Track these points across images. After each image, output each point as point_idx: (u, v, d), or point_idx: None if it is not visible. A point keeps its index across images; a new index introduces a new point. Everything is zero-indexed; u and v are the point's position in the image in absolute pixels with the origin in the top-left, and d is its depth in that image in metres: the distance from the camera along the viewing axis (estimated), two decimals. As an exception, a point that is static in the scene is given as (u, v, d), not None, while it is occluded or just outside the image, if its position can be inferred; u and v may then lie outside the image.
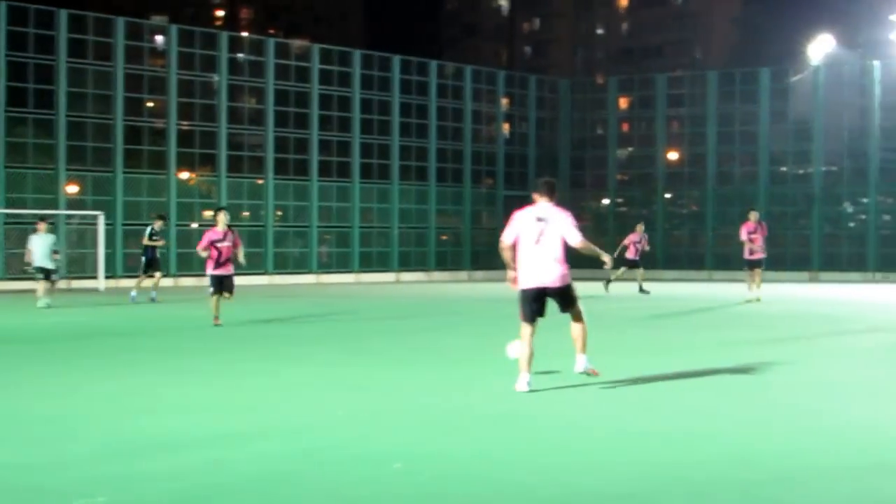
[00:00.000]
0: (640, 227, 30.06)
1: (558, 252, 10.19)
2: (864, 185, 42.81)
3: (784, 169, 44.83)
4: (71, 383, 11.21)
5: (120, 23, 36.01)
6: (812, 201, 43.22)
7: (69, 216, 34.70)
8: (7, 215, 32.85)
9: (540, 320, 10.27)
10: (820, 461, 7.25)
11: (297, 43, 46.14)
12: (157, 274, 25.64)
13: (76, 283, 33.09)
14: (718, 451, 7.52)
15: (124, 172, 35.54)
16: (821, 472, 6.93)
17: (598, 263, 10.89)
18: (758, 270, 24.94)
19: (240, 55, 39.92)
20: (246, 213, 38.56)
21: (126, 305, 24.48)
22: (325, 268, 40.33)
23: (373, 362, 13.00)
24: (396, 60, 42.79)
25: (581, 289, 10.70)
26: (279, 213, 39.80)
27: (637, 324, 19.17)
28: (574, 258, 10.37)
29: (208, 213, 37.52)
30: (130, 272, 33.20)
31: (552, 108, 48.55)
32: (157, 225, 26.09)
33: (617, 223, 46.14)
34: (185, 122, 37.48)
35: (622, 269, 29.02)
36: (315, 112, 40.26)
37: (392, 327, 19.03)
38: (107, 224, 33.68)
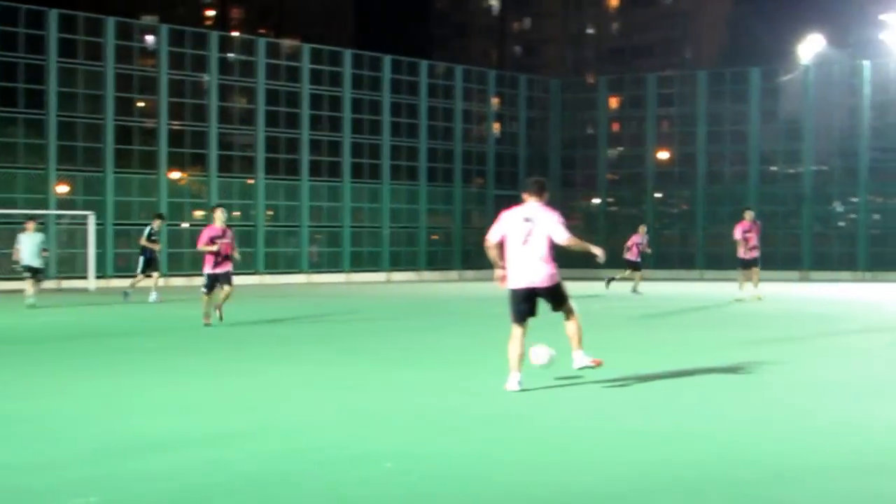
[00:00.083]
0: (643, 229, 29.88)
1: (545, 252, 10.20)
2: (854, 184, 42.89)
3: (774, 168, 44.92)
4: (61, 383, 11.16)
5: (110, 23, 35.94)
6: (802, 201, 43.31)
7: (59, 216, 34.59)
8: (-3, 216, 32.76)
9: (531, 320, 10.27)
10: (814, 460, 7.25)
11: (287, 43, 46.13)
12: (156, 274, 25.42)
13: (66, 283, 33.01)
14: (713, 451, 7.51)
15: (115, 172, 35.45)
16: (815, 470, 6.93)
17: (593, 262, 10.85)
18: (755, 269, 24.96)
19: (230, 55, 39.87)
20: (237, 213, 38.49)
21: (117, 305, 24.39)
22: (315, 268, 40.28)
23: (367, 362, 12.99)
24: (387, 60, 42.76)
25: (578, 288, 10.68)
26: (270, 212, 39.76)
27: (630, 323, 19.19)
28: (567, 258, 10.36)
29: (199, 213, 37.48)
30: (121, 272, 33.14)
31: (542, 107, 48.57)
32: (156, 225, 25.89)
33: (607, 223, 46.21)
34: (175, 122, 37.41)
35: (627, 270, 28.97)
36: (306, 112, 40.22)
37: (384, 327, 19.01)
38: (97, 224, 33.60)
